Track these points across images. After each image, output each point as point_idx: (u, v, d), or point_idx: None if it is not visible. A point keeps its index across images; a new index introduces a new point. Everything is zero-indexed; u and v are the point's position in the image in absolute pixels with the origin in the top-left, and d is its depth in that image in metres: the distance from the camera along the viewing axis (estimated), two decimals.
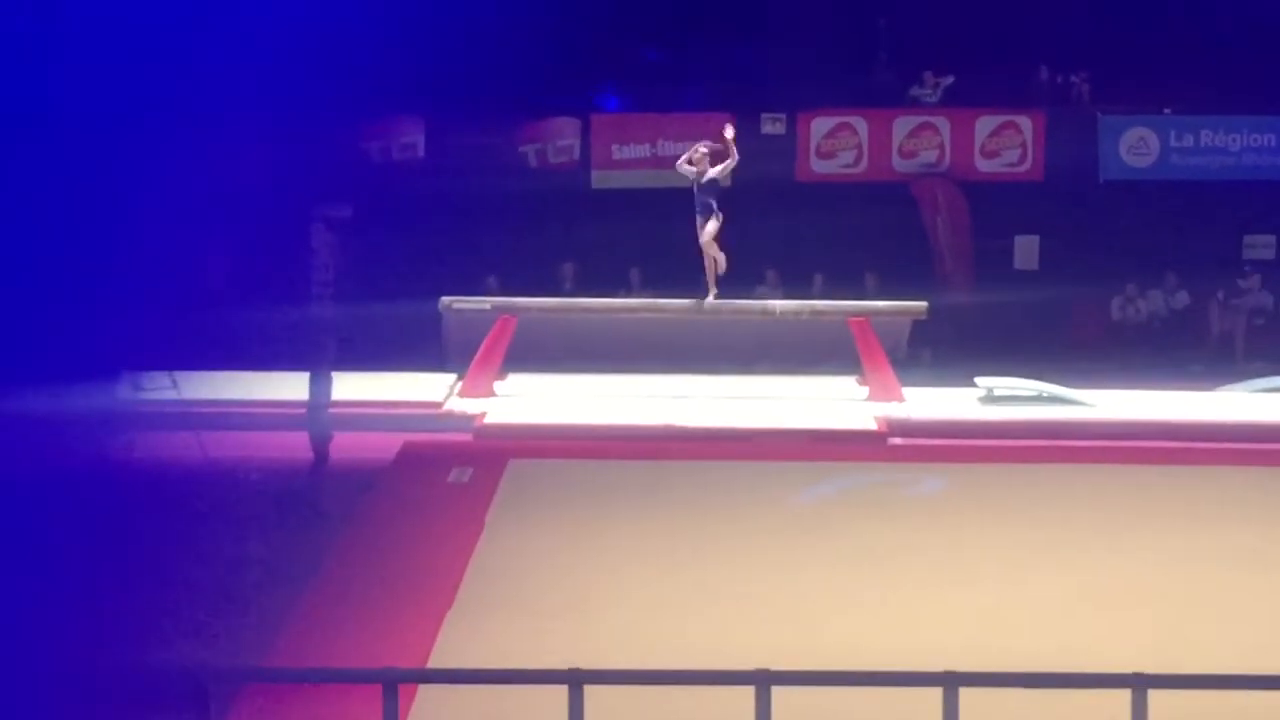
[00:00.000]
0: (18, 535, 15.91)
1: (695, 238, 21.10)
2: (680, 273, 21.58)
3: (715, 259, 21.18)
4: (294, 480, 17.85)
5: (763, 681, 9.92)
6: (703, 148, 21.27)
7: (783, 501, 17.80)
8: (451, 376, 22.28)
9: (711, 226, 20.97)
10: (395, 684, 10.14)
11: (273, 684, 12.19)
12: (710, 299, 21.49)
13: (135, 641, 12.77)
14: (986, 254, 27.08)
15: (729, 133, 20.97)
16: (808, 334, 22.84)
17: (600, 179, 26.89)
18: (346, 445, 19.94)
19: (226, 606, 14.22)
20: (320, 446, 17.87)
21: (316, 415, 17.81)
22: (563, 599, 14.47)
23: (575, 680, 9.99)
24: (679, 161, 21.35)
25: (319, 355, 18.02)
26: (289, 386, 19.68)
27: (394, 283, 25.06)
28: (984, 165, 27.00)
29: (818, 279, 25.61)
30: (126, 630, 13.42)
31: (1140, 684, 9.81)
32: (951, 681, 9.88)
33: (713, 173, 20.99)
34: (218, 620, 13.81)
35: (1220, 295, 26.33)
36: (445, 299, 22.22)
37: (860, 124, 26.93)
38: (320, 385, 17.90)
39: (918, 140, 26.95)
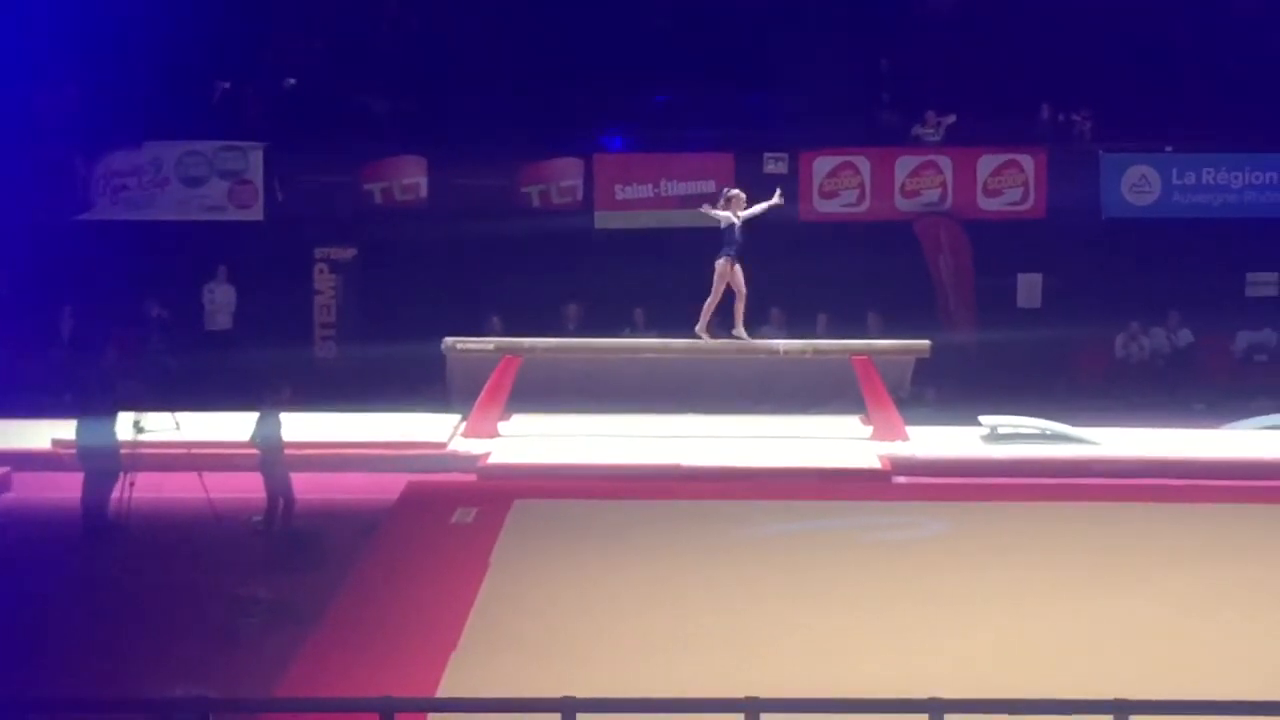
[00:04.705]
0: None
1: (708, 278, 21.29)
2: (684, 313, 21.63)
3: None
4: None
5: (751, 709, 10.04)
6: (734, 192, 21.52)
7: (785, 540, 17.86)
8: (455, 417, 22.35)
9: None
10: (392, 712, 10.26)
11: (275, 714, 12.28)
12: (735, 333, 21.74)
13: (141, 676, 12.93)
14: (989, 292, 27.16)
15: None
16: (811, 373, 22.88)
17: (604, 219, 26.95)
18: (351, 485, 20.09)
19: (232, 645, 14.33)
20: (274, 488, 17.77)
21: (267, 457, 17.61)
22: (568, 637, 14.52)
23: (568, 708, 10.10)
24: (707, 208, 21.57)
25: (269, 397, 17.99)
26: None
27: (397, 324, 25.24)
28: (986, 204, 27.11)
29: (821, 318, 25.67)
30: (132, 665, 13.58)
31: (1122, 710, 9.91)
32: (936, 709, 9.99)
33: (745, 215, 21.23)
34: (224, 658, 13.92)
35: None
36: (449, 340, 22.25)
37: (863, 163, 27.05)
38: (268, 427, 17.68)
39: (920, 179, 27.07)
